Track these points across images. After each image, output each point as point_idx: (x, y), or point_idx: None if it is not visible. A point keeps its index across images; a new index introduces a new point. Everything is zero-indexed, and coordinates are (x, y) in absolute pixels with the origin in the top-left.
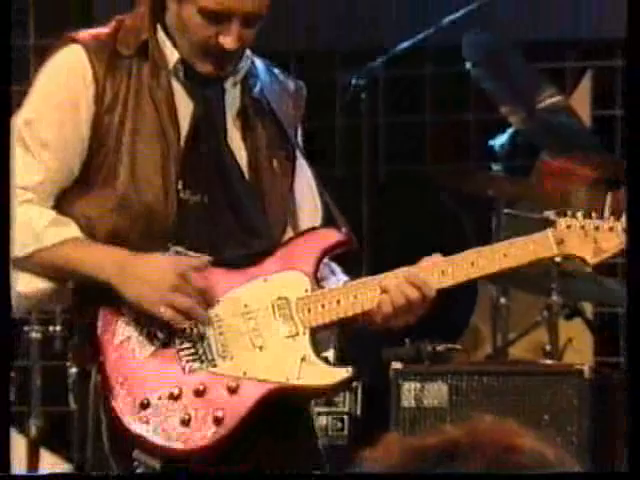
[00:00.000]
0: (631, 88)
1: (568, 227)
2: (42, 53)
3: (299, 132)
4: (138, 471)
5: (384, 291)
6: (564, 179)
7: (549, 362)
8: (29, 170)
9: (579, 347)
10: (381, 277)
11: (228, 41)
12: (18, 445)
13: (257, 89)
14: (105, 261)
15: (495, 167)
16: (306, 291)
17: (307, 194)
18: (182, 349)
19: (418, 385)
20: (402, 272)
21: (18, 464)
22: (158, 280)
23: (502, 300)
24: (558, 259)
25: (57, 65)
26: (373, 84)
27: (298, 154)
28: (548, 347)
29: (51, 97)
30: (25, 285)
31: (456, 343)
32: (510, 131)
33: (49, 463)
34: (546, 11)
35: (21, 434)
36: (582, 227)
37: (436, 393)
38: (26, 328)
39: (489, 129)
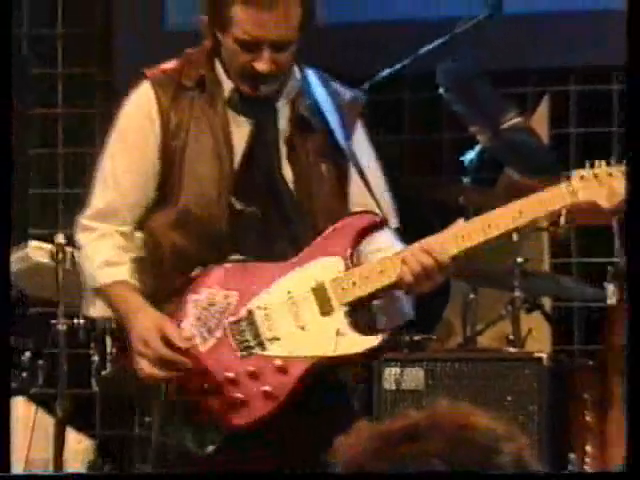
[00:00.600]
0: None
1: (581, 178)
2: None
3: (360, 137)
4: (210, 448)
5: (403, 262)
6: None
7: (512, 350)
8: (103, 197)
9: (538, 337)
10: (404, 249)
11: (261, 66)
12: (47, 424)
13: (308, 105)
14: (121, 308)
15: (465, 179)
16: (339, 272)
17: (360, 196)
18: (236, 339)
19: (398, 370)
20: (420, 243)
21: (46, 441)
22: (141, 333)
23: (471, 296)
24: (520, 259)
25: (129, 103)
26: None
27: (356, 161)
28: (511, 337)
29: (125, 133)
30: (93, 309)
31: (431, 333)
32: (478, 148)
33: (75, 440)
34: (509, 44)
35: (49, 414)
36: (595, 175)
37: (414, 377)
38: (53, 321)
39: (460, 147)
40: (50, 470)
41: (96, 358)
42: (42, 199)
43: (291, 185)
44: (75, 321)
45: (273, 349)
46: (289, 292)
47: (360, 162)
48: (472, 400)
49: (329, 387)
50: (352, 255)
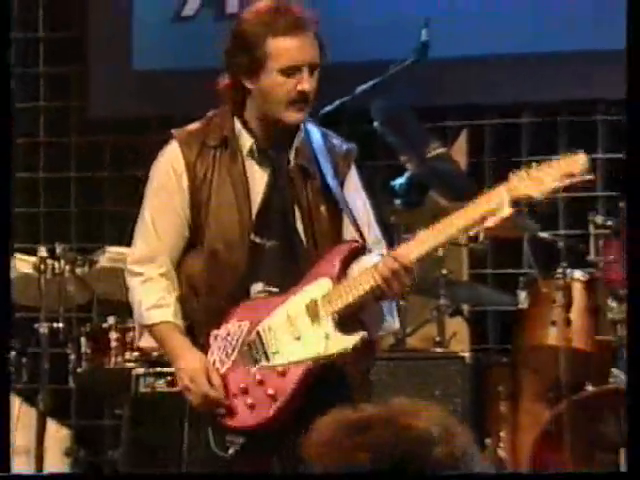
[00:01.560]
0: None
1: (515, 176)
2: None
3: (350, 180)
4: (231, 450)
5: (375, 269)
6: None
7: (439, 350)
8: (148, 244)
9: (460, 339)
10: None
11: (306, 86)
12: (30, 417)
13: (308, 156)
14: (167, 347)
15: (396, 201)
16: (329, 289)
17: (362, 223)
18: (247, 357)
19: None
20: (388, 252)
21: (29, 431)
22: (187, 371)
23: (401, 302)
24: (444, 271)
25: (160, 161)
26: None
27: (345, 202)
28: (437, 338)
29: (158, 188)
30: (144, 341)
31: None
32: (407, 174)
33: (54, 429)
34: (433, 84)
35: (32, 407)
36: (527, 173)
37: None
38: (36, 325)
39: (392, 173)
40: (32, 454)
41: (73, 357)
42: (25, 216)
43: (298, 224)
44: (55, 325)
45: (276, 359)
46: (288, 314)
47: (352, 204)
48: (405, 394)
49: (331, 385)
50: (339, 276)
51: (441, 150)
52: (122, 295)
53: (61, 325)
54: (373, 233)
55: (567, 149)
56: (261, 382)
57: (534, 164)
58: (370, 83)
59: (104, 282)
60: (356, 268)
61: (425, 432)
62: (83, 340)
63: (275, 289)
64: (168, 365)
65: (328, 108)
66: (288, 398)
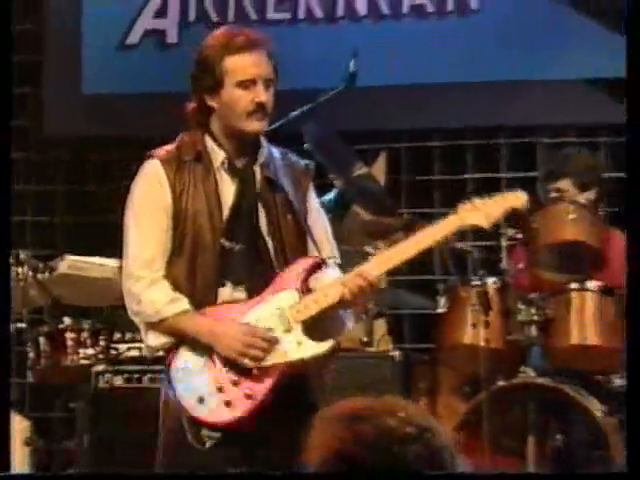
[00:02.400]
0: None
1: (464, 208)
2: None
3: (310, 196)
4: (208, 444)
5: (344, 285)
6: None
7: (372, 349)
8: (141, 253)
9: (384, 339)
10: (344, 276)
11: (262, 97)
12: None
13: (272, 170)
14: (202, 329)
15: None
16: (295, 300)
17: (322, 238)
18: (220, 359)
19: None
20: (355, 270)
21: None
22: (231, 340)
23: None
24: None
25: (143, 177)
26: None
27: (308, 213)
28: (365, 339)
29: (145, 201)
30: (153, 340)
31: None
32: (335, 191)
33: (17, 421)
34: (359, 110)
35: None
36: (474, 206)
37: None
38: None
39: (321, 190)
40: None
41: (32, 355)
42: None
43: (264, 229)
44: (18, 325)
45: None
46: (256, 319)
47: (313, 218)
48: (342, 390)
49: (298, 387)
50: (303, 288)
51: (364, 170)
52: (78, 299)
53: (24, 325)
54: (330, 247)
55: (473, 170)
56: (235, 382)
57: (480, 200)
58: (302, 109)
59: (62, 287)
60: (319, 280)
61: (402, 430)
62: (42, 339)
63: (242, 292)
64: (127, 363)
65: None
66: (264, 397)
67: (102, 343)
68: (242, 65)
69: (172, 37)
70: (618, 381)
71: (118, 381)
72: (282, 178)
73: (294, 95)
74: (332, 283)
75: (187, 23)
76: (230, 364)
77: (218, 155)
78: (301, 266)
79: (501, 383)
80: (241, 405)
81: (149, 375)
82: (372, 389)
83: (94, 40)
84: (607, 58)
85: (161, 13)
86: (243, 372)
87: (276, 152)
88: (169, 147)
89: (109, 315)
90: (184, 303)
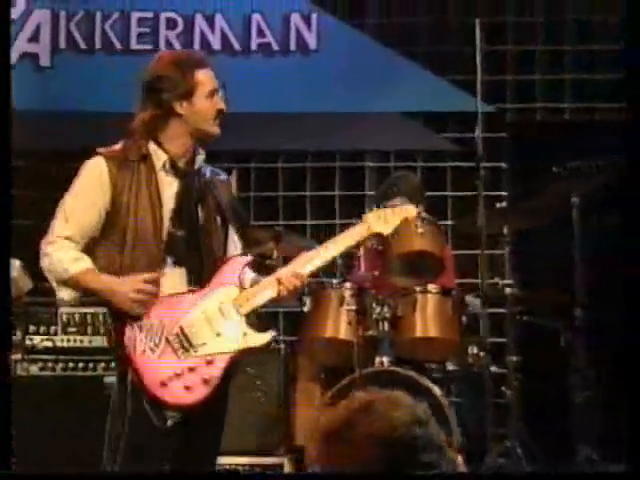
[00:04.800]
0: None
1: (369, 217)
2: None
3: (231, 204)
4: (169, 422)
5: (279, 282)
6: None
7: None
8: (64, 228)
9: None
10: (277, 273)
11: (222, 105)
12: None
13: (206, 177)
14: (104, 286)
15: None
16: (236, 294)
17: (235, 239)
18: (175, 347)
19: None
20: (288, 268)
21: None
22: (125, 290)
23: None
24: None
25: (88, 169)
26: None
27: (228, 219)
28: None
29: (83, 188)
30: (65, 294)
31: None
32: None
33: None
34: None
35: None
36: (378, 216)
37: None
38: None
39: None
40: None
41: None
42: None
43: (201, 222)
44: None
45: (203, 350)
46: (202, 312)
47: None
48: (237, 384)
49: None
50: (239, 282)
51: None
52: None
53: None
54: (239, 247)
55: (311, 189)
56: (192, 369)
57: (382, 208)
58: None
59: None
60: (249, 276)
61: (399, 420)
62: None
63: (183, 270)
64: (42, 353)
65: None
66: (218, 382)
67: (18, 334)
68: (209, 77)
69: (45, 61)
70: (450, 367)
71: (33, 369)
72: (213, 183)
73: None
74: (270, 280)
75: (58, 49)
76: (186, 352)
77: (161, 157)
78: (237, 264)
79: (360, 371)
80: (199, 389)
81: (61, 365)
82: (260, 381)
83: (19, 63)
84: (423, 94)
85: (34, 38)
86: (198, 360)
87: (204, 165)
88: (115, 147)
89: (24, 312)
90: (88, 262)
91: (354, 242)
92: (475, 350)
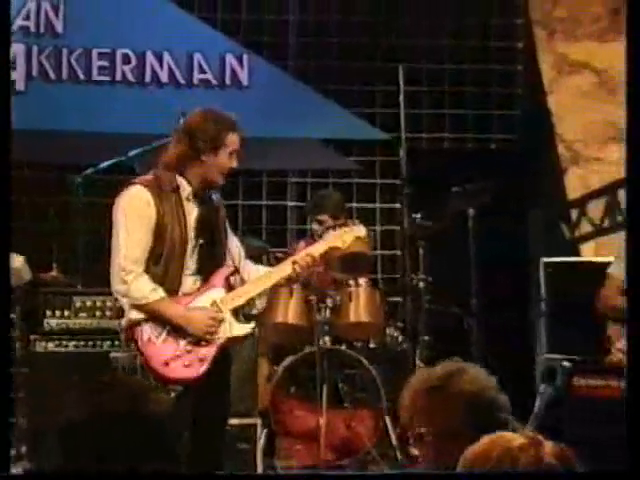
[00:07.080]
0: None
1: (330, 234)
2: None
3: (226, 222)
4: (172, 394)
5: (294, 262)
6: None
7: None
8: (137, 257)
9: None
10: (292, 258)
11: (235, 164)
12: None
13: (214, 201)
14: (177, 313)
15: None
16: (222, 294)
17: (234, 250)
18: (177, 335)
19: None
20: (304, 251)
21: None
22: (199, 322)
23: None
24: None
25: (133, 197)
26: (90, 184)
27: (228, 233)
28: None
29: (139, 216)
30: (134, 315)
31: None
32: None
33: None
34: None
35: None
36: (336, 233)
37: None
38: None
39: None
40: None
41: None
42: None
43: (215, 238)
44: None
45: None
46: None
47: (231, 238)
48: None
49: (226, 356)
50: (226, 286)
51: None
52: None
53: None
54: (242, 255)
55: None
56: (189, 351)
57: (342, 227)
58: (139, 150)
59: None
60: (248, 272)
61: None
62: None
63: (198, 279)
64: (57, 333)
65: (106, 163)
66: (212, 360)
67: (39, 317)
68: (235, 140)
69: (20, 86)
70: (372, 345)
71: (50, 346)
72: (217, 204)
73: (129, 139)
74: (285, 261)
75: (31, 77)
76: (184, 337)
77: (186, 189)
78: (224, 272)
79: (307, 349)
80: (197, 366)
81: (73, 342)
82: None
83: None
84: (334, 124)
85: (12, 67)
86: (193, 343)
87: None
88: (148, 177)
89: (44, 299)
90: (161, 292)
91: (323, 251)
92: (393, 332)
